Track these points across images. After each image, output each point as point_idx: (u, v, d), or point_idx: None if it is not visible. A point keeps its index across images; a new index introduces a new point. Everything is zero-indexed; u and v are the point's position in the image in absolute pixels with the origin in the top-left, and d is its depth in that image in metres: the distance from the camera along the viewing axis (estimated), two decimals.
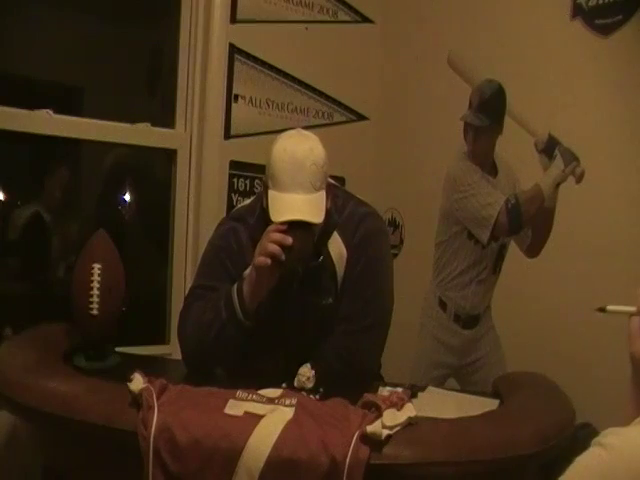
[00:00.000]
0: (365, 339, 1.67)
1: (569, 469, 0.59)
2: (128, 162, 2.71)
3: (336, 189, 1.75)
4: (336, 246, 1.68)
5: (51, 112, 2.19)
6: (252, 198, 1.86)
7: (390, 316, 1.73)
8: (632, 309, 0.76)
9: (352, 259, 1.68)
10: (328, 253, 1.68)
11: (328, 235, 1.67)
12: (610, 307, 0.83)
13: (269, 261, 1.52)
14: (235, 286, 1.62)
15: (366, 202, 1.80)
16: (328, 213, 1.62)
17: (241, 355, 1.64)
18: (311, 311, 1.68)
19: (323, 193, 1.58)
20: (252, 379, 1.47)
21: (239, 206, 1.92)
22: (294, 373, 1.55)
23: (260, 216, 1.68)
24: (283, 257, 1.51)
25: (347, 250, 1.68)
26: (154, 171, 2.80)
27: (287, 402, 1.31)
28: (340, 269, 1.68)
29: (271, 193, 1.57)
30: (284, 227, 1.52)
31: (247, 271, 1.62)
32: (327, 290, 1.68)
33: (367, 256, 1.68)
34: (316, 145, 1.59)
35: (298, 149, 1.56)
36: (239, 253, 1.71)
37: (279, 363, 1.67)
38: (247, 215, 1.76)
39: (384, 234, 1.82)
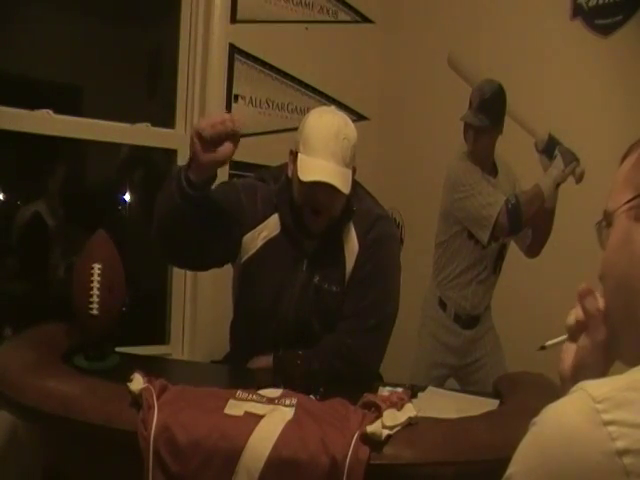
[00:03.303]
0: (368, 339, 1.68)
1: (515, 453, 0.61)
2: (130, 160, 2.72)
3: (355, 184, 1.77)
4: (350, 237, 1.70)
5: (51, 112, 2.19)
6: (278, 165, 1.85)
7: (394, 319, 1.74)
8: (565, 337, 0.83)
9: (362, 258, 1.69)
10: (341, 241, 1.69)
11: (346, 222, 1.69)
12: (548, 342, 0.88)
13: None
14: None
15: (380, 203, 1.82)
16: (349, 199, 1.64)
17: (194, 233, 1.62)
18: (312, 291, 1.69)
19: (350, 172, 1.61)
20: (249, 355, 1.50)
21: (264, 171, 1.90)
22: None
23: (284, 184, 1.69)
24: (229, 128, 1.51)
25: (359, 245, 1.69)
26: (155, 170, 2.80)
27: (287, 402, 1.31)
28: (350, 261, 1.69)
29: (301, 157, 1.59)
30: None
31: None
32: (333, 276, 1.69)
33: (377, 258, 1.69)
34: (349, 122, 1.66)
35: (334, 120, 1.62)
36: (243, 207, 1.71)
37: (274, 341, 1.67)
38: (271, 179, 1.77)
39: (395, 239, 1.85)
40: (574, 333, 0.81)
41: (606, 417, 0.54)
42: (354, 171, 1.65)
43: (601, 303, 0.78)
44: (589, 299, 0.78)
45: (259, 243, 1.71)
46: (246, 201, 1.72)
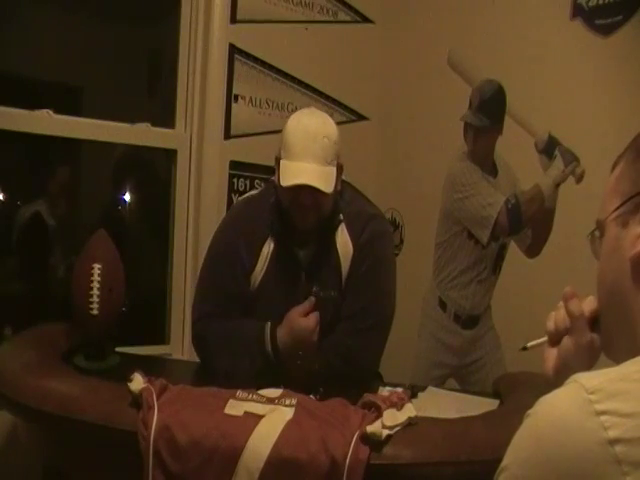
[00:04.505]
0: (366, 339, 1.68)
1: (510, 444, 0.63)
2: (130, 160, 2.72)
3: (345, 185, 1.77)
4: (343, 241, 1.70)
5: (51, 112, 2.19)
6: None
7: (392, 318, 1.74)
8: (546, 339, 0.85)
9: (357, 259, 1.69)
10: (335, 245, 1.69)
11: (336, 226, 1.69)
12: (530, 343, 0.90)
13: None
14: (268, 332, 1.63)
15: (372, 202, 1.81)
16: (337, 202, 1.64)
17: None
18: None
19: (334, 169, 1.60)
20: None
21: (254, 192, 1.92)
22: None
23: (275, 194, 1.71)
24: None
25: (353, 247, 1.69)
26: (155, 170, 2.80)
27: (287, 402, 1.31)
28: (345, 264, 1.69)
29: (283, 162, 1.59)
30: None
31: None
32: (330, 282, 1.69)
33: (372, 257, 1.69)
34: (329, 121, 1.65)
35: (312, 122, 1.61)
36: (245, 266, 1.72)
37: None
38: (266, 194, 1.78)
39: (389, 237, 1.83)
40: (554, 338, 0.83)
41: (599, 407, 0.55)
42: (340, 169, 1.65)
43: (587, 306, 0.80)
44: (573, 302, 0.81)
45: (259, 277, 1.72)
46: (246, 252, 1.72)
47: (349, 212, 1.71)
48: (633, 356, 0.65)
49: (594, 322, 0.81)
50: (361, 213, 1.73)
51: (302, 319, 1.60)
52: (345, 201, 1.72)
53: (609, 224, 0.73)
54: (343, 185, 1.74)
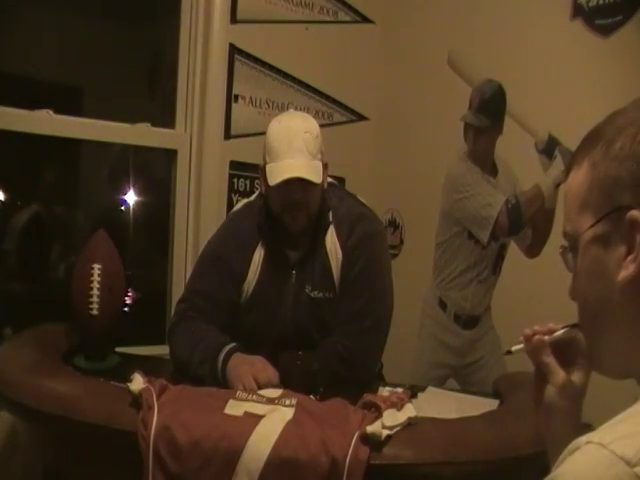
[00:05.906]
0: (365, 340, 1.67)
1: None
2: (130, 160, 2.72)
3: (333, 187, 1.76)
4: (332, 242, 1.70)
5: (51, 112, 2.19)
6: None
7: (390, 317, 1.73)
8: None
9: (349, 262, 1.68)
10: (325, 247, 1.69)
11: (326, 228, 1.69)
12: (514, 347, 0.88)
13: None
14: (222, 358, 1.54)
15: (363, 202, 1.80)
16: (325, 202, 1.65)
17: None
18: (305, 300, 1.69)
19: (320, 163, 1.61)
20: None
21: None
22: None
23: (262, 202, 1.72)
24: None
25: (341, 249, 1.69)
26: (155, 170, 2.81)
27: (287, 402, 1.31)
28: (335, 267, 1.69)
29: (268, 166, 1.59)
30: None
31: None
32: (322, 282, 1.69)
33: (364, 259, 1.68)
34: (309, 117, 1.68)
35: (292, 120, 1.63)
36: (239, 258, 1.71)
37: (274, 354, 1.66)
38: (260, 199, 1.78)
39: (380, 235, 1.81)
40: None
41: None
42: (325, 167, 1.64)
43: (550, 339, 0.82)
44: (544, 352, 0.82)
45: (252, 283, 1.72)
46: (238, 262, 1.71)
47: (337, 213, 1.71)
48: (627, 376, 0.65)
49: (561, 347, 0.83)
50: (349, 214, 1.72)
51: (269, 368, 1.50)
52: (334, 202, 1.72)
53: (585, 242, 0.69)
54: (332, 186, 1.74)
